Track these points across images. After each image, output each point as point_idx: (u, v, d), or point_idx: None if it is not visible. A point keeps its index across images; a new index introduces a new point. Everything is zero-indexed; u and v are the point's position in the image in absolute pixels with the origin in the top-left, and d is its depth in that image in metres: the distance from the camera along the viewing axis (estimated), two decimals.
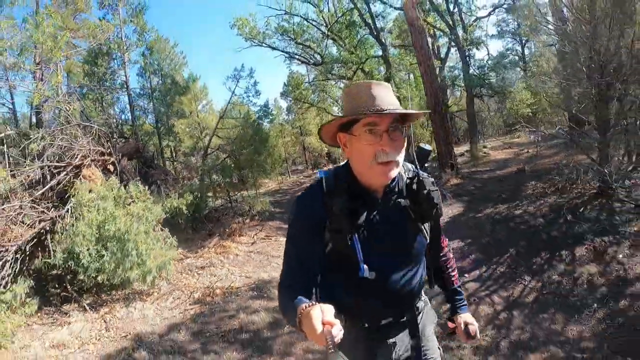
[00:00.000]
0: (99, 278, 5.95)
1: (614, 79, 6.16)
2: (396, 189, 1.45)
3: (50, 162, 7.73)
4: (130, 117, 14.49)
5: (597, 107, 6.62)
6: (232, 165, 11.90)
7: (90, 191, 6.77)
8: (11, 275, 6.08)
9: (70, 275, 6.52)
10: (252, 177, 12.51)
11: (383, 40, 16.24)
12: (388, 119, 1.29)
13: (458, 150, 17.29)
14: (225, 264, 7.52)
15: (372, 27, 15.71)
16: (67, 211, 6.93)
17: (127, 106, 14.39)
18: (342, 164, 1.51)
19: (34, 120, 13.31)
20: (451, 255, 1.77)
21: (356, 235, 1.34)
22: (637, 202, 6.16)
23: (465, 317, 1.68)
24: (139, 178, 8.49)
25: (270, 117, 16.97)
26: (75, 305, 6.16)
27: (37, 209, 6.85)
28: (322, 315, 1.00)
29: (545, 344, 3.72)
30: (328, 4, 17.67)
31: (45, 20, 7.92)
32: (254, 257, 7.91)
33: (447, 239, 1.76)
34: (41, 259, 6.61)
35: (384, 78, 14.70)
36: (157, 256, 6.16)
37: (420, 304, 1.59)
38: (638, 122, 6.58)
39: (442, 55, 17.80)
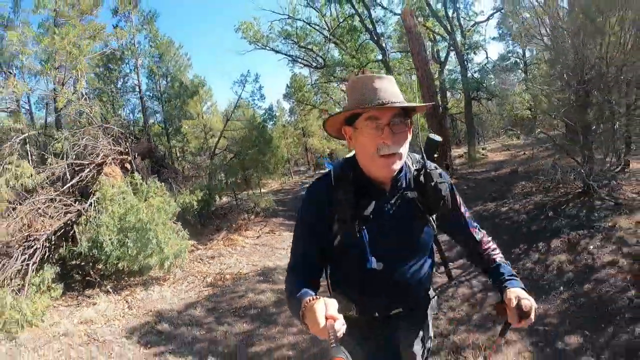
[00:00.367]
0: (119, 265, 6.61)
1: (591, 87, 6.72)
2: (403, 181, 1.46)
3: (75, 160, 8.33)
4: (139, 118, 15.18)
5: (578, 113, 7.16)
6: (238, 166, 12.51)
7: (112, 187, 7.40)
8: (40, 262, 6.71)
9: (91, 263, 7.18)
10: (256, 177, 13.14)
11: (383, 44, 16.77)
12: (390, 112, 1.30)
13: (457, 152, 17.77)
14: (234, 254, 8.17)
15: (373, 32, 16.23)
16: (90, 205, 7.56)
17: (137, 108, 15.12)
18: (350, 155, 1.53)
19: (48, 120, 13.92)
20: (489, 239, 1.65)
21: (364, 226, 1.36)
22: (617, 201, 6.68)
23: (516, 291, 1.38)
24: (156, 176, 9.10)
25: (274, 120, 17.56)
26: (97, 289, 6.78)
27: (65, 202, 7.47)
28: (326, 309, 1.02)
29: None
30: (330, 8, 18.06)
31: (72, 31, 8.59)
32: (260, 249, 8.56)
33: (483, 231, 1.65)
34: (65, 248, 7.23)
35: None
36: (173, 245, 6.78)
37: (428, 294, 1.64)
38: (615, 127, 7.12)
39: (442, 59, 18.26)
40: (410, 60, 14.84)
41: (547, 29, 7.59)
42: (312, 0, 17.73)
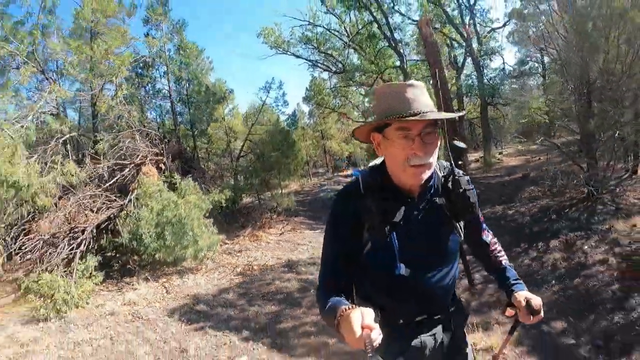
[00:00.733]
0: (156, 256, 7.41)
1: (592, 98, 7.23)
2: (431, 187, 1.46)
3: (117, 160, 9.22)
4: (165, 120, 16.10)
5: (581, 122, 7.66)
6: (261, 167, 13.30)
7: (150, 185, 8.24)
8: (84, 252, 7.55)
9: (130, 253, 8.03)
10: (278, 178, 13.90)
11: (401, 51, 17.28)
12: (421, 123, 1.29)
13: (474, 156, 18.10)
14: (259, 249, 8.96)
15: (391, 39, 16.75)
16: (130, 200, 8.41)
17: (164, 111, 16.06)
18: (377, 161, 1.53)
19: (82, 122, 14.81)
20: (495, 240, 1.72)
21: (394, 233, 1.37)
22: (618, 205, 7.15)
23: (523, 293, 1.52)
24: (190, 175, 9.92)
25: (296, 125, 18.17)
26: (135, 277, 7.60)
27: (109, 197, 8.35)
28: (362, 319, 1.01)
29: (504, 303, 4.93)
30: (349, 15, 18.54)
31: (114, 42, 9.52)
32: (283, 244, 9.31)
33: (491, 233, 1.72)
34: (106, 240, 8.09)
35: None
36: (206, 238, 7.57)
37: (453, 301, 1.60)
38: (616, 135, 7.58)
39: (460, 64, 18.59)
40: (427, 66, 15.31)
41: (555, 42, 8.10)
42: (332, 7, 18.27)
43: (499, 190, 10.76)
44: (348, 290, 1.44)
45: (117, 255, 8.33)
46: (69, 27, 11.73)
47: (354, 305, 1.12)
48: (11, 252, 7.71)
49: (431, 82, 13.52)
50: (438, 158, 1.45)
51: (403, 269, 1.37)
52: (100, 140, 9.29)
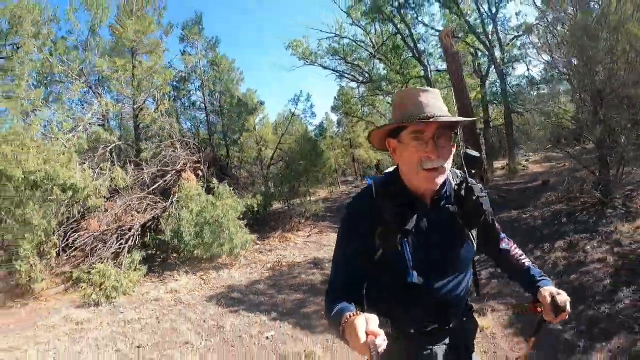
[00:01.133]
0: (195, 252, 8.35)
1: (596, 105, 7.66)
2: (445, 195, 1.45)
3: (160, 167, 10.30)
4: (200, 131, 17.15)
5: (589, 128, 8.06)
6: (290, 175, 14.16)
7: (190, 189, 9.25)
8: (131, 248, 8.58)
9: (170, 250, 9.02)
10: (307, 186, 14.69)
11: (425, 61, 17.78)
12: (434, 126, 1.30)
13: (501, 163, 18.27)
14: (288, 249, 9.82)
15: (414, 50, 17.28)
16: (172, 203, 9.41)
17: (199, 121, 17.17)
18: (391, 169, 1.55)
19: (119, 132, 15.99)
20: (515, 247, 1.71)
21: (405, 240, 1.36)
22: (629, 209, 7.50)
23: (549, 289, 1.48)
24: (225, 181, 10.89)
25: (324, 135, 18.79)
26: (175, 271, 8.54)
27: (154, 199, 9.42)
28: (367, 325, 1.03)
29: (504, 296, 5.49)
30: (374, 27, 19.09)
31: (158, 60, 10.70)
32: (310, 245, 10.15)
33: (511, 241, 1.72)
34: (150, 237, 9.10)
35: None
36: (240, 237, 8.48)
37: (465, 311, 1.59)
38: (623, 141, 7.93)
39: (484, 72, 18.82)
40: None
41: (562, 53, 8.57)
42: (357, 20, 18.87)
43: (518, 196, 11.16)
44: (358, 295, 1.40)
45: (159, 251, 9.36)
46: (109, 44, 13.05)
47: (358, 312, 1.13)
48: (59, 248, 8.76)
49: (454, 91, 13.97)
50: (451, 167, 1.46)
51: (415, 277, 1.36)
52: (145, 149, 10.40)
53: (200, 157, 11.55)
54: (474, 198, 1.43)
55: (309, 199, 15.25)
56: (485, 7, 17.39)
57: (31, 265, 7.52)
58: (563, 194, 9.37)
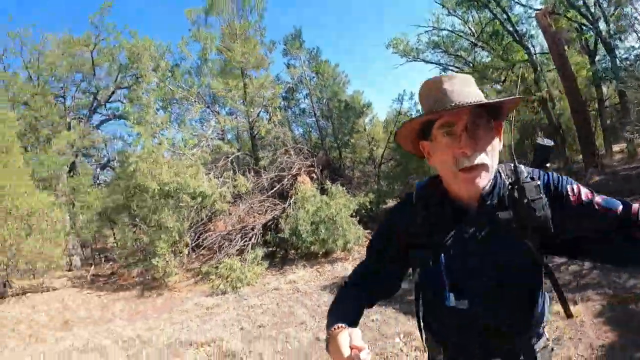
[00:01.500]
0: (311, 248, 8.96)
1: None
2: (494, 198, 1.18)
3: (277, 172, 11.27)
4: (312, 136, 18.10)
5: None
6: (402, 173, 14.16)
7: (305, 191, 9.97)
8: (253, 245, 9.55)
9: (289, 247, 9.77)
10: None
11: (526, 44, 16.39)
12: (465, 114, 1.08)
13: (619, 146, 16.05)
14: None
15: (514, 33, 16.10)
16: (289, 204, 10.19)
17: (310, 128, 18.13)
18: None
19: (237, 144, 17.64)
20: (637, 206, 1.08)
21: (443, 255, 1.18)
22: None
23: None
24: (338, 182, 11.46)
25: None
26: (293, 265, 9.28)
27: (274, 202, 10.32)
28: (350, 340, 1.01)
29: (602, 287, 4.99)
30: (471, 14, 18.29)
31: (266, 79, 11.82)
32: None
33: (620, 204, 1.09)
34: (270, 236, 10.00)
35: (533, 80, 14.96)
36: (353, 232, 8.89)
37: (535, 343, 1.26)
38: None
39: (592, 48, 16.80)
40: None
41: None
42: (452, 9, 18.24)
43: (634, 184, 9.75)
44: (368, 298, 1.34)
45: (279, 248, 10.24)
46: (219, 63, 14.62)
47: (344, 326, 1.09)
48: (190, 247, 10.13)
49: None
50: (502, 161, 1.24)
51: (452, 300, 1.16)
52: (262, 157, 11.45)
53: (313, 161, 12.31)
54: (525, 201, 1.11)
55: None
56: None
57: (166, 261, 8.98)
58: None
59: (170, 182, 9.20)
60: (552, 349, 1.34)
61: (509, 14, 16.36)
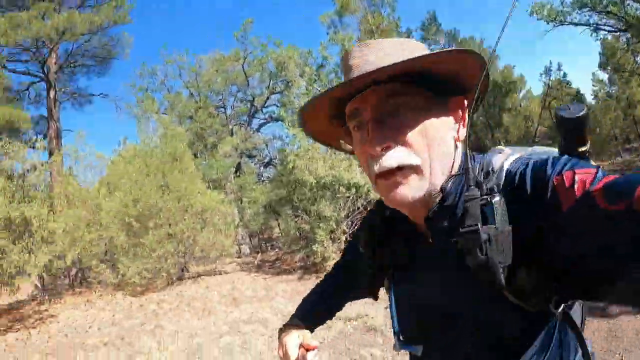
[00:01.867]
0: None
1: None
2: (451, 215, 0.74)
3: None
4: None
5: None
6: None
7: None
8: None
9: None
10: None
11: None
12: (375, 94, 0.71)
13: None
14: None
15: None
16: None
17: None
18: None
19: None
20: None
21: (393, 288, 0.89)
22: None
23: None
24: None
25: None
26: None
27: None
28: (302, 339, 0.97)
29: None
30: None
31: None
32: None
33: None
34: None
35: None
36: None
37: None
38: None
39: None
40: None
41: None
42: None
43: None
44: (347, 282, 1.13)
45: None
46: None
47: (299, 325, 1.06)
48: (347, 234, 10.61)
49: None
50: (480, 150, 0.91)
51: (397, 345, 0.87)
52: None
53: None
54: (467, 230, 0.65)
55: None
56: None
57: (325, 247, 9.68)
58: None
59: (326, 175, 9.97)
60: None
61: None
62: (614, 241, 0.53)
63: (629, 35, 18.30)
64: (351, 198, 10.57)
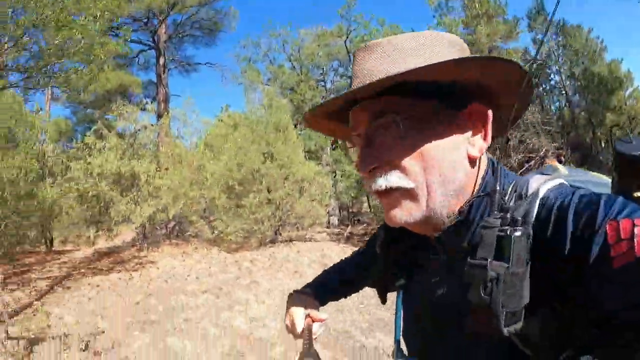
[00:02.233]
0: None
1: None
2: (467, 234, 0.67)
3: (525, 154, 11.10)
4: (562, 115, 16.51)
5: None
6: None
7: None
8: None
9: None
10: None
11: None
12: (364, 111, 0.67)
13: None
14: None
15: None
16: None
17: (562, 105, 16.60)
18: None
19: None
20: None
21: (402, 295, 0.87)
22: None
23: None
24: (585, 166, 10.58)
25: None
26: None
27: None
28: (309, 311, 0.95)
29: None
30: None
31: None
32: None
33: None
34: None
35: None
36: None
37: None
38: None
39: None
40: None
41: None
42: None
43: None
44: (343, 286, 1.17)
45: None
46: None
47: (310, 295, 1.04)
48: None
49: None
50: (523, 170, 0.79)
51: (396, 354, 0.86)
52: (510, 137, 11.34)
53: (562, 143, 11.64)
54: (475, 263, 0.56)
55: None
56: None
57: None
58: None
59: None
60: None
61: None
62: None
63: None
64: None
